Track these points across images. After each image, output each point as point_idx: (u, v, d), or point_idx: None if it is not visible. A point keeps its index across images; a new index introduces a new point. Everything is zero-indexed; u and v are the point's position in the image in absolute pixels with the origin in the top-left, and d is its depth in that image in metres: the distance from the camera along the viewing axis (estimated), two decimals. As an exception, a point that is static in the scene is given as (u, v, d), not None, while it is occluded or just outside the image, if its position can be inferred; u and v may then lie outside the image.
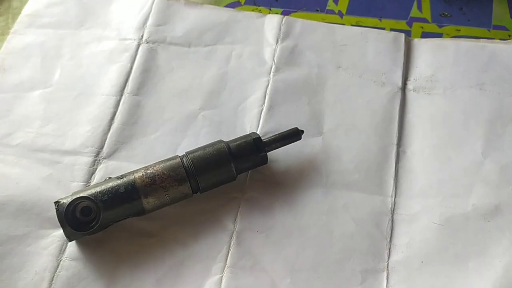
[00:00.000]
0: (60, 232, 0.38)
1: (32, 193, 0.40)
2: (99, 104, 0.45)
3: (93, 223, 0.37)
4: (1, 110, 0.44)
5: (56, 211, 0.37)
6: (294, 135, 0.42)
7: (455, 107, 0.45)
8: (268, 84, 0.46)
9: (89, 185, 0.41)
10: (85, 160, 0.42)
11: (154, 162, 0.39)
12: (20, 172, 0.41)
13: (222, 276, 0.38)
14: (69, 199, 0.37)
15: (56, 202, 0.37)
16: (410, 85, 0.47)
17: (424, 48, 0.48)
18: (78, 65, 0.47)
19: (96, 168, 0.42)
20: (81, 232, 0.37)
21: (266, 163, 0.41)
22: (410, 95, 0.46)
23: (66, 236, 0.37)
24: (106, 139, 0.43)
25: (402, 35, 0.49)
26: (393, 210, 0.41)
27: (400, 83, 0.46)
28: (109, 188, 0.37)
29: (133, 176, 0.38)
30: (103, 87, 0.46)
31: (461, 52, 0.48)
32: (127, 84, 0.46)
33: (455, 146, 0.43)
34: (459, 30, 0.51)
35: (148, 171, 0.38)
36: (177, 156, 0.39)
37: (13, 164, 0.42)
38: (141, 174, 0.38)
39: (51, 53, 0.48)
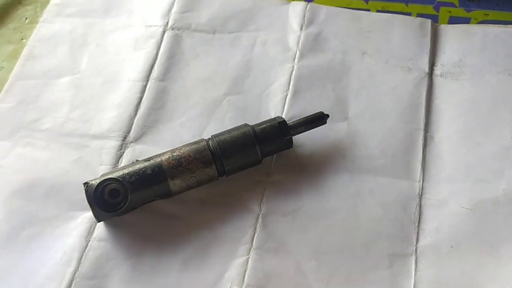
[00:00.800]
0: (89, 213, 0.38)
1: (61, 176, 0.41)
2: (126, 89, 0.45)
3: (121, 204, 0.38)
4: (31, 96, 0.45)
5: (85, 192, 0.37)
6: (319, 119, 0.41)
7: (483, 92, 0.45)
8: (292, 70, 0.46)
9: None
10: (113, 144, 0.43)
11: (181, 145, 0.39)
12: (49, 155, 0.42)
13: (248, 258, 0.38)
14: (98, 181, 0.37)
15: (85, 184, 0.38)
16: (437, 71, 0.46)
17: (451, 34, 0.48)
18: (105, 52, 0.48)
19: (124, 152, 0.42)
20: (109, 213, 0.37)
21: (291, 146, 0.41)
22: (437, 80, 0.46)
23: (95, 217, 0.38)
24: (132, 123, 0.44)
25: (429, 21, 0.48)
26: (421, 195, 0.40)
27: (427, 69, 0.46)
28: (136, 170, 0.38)
29: (160, 159, 0.38)
30: (129, 73, 0.46)
31: (489, 38, 0.47)
32: (153, 70, 0.46)
33: (483, 131, 0.43)
34: (488, 14, 0.50)
35: (175, 154, 0.39)
36: (203, 139, 0.40)
37: (43, 148, 0.42)
38: (167, 157, 0.38)
39: (78, 41, 0.48)
